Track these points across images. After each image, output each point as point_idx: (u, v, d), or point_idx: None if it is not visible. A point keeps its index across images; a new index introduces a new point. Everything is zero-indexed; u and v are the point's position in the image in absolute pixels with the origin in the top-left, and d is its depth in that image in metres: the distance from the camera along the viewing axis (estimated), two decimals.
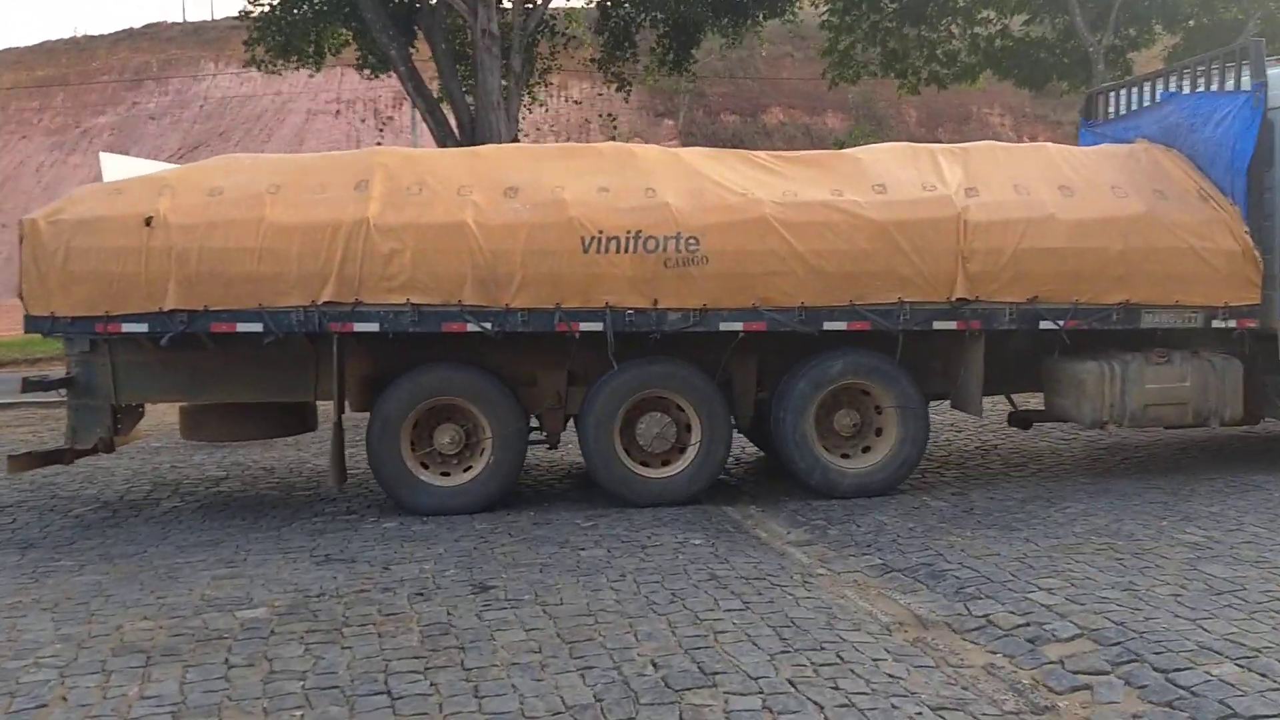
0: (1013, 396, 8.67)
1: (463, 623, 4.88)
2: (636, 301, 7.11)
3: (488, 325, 7.03)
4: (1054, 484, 7.76)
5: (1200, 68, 8.34)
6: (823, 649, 4.49)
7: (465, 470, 7.37)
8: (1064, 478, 8.01)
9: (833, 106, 55.86)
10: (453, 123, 15.44)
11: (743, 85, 57.55)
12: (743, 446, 9.30)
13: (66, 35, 68.37)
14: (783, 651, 4.45)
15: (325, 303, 6.91)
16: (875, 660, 4.38)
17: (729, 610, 5.00)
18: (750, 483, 8.30)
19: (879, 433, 7.62)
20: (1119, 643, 4.47)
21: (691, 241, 7.08)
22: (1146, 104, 8.76)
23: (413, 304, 6.96)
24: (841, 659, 4.38)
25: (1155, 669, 4.20)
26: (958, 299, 7.29)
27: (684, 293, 7.13)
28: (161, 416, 10.40)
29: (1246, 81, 7.70)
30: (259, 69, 18.88)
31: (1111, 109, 9.32)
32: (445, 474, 7.37)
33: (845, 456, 7.60)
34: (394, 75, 16.13)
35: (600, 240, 7.05)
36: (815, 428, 7.49)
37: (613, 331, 7.10)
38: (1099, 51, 14.90)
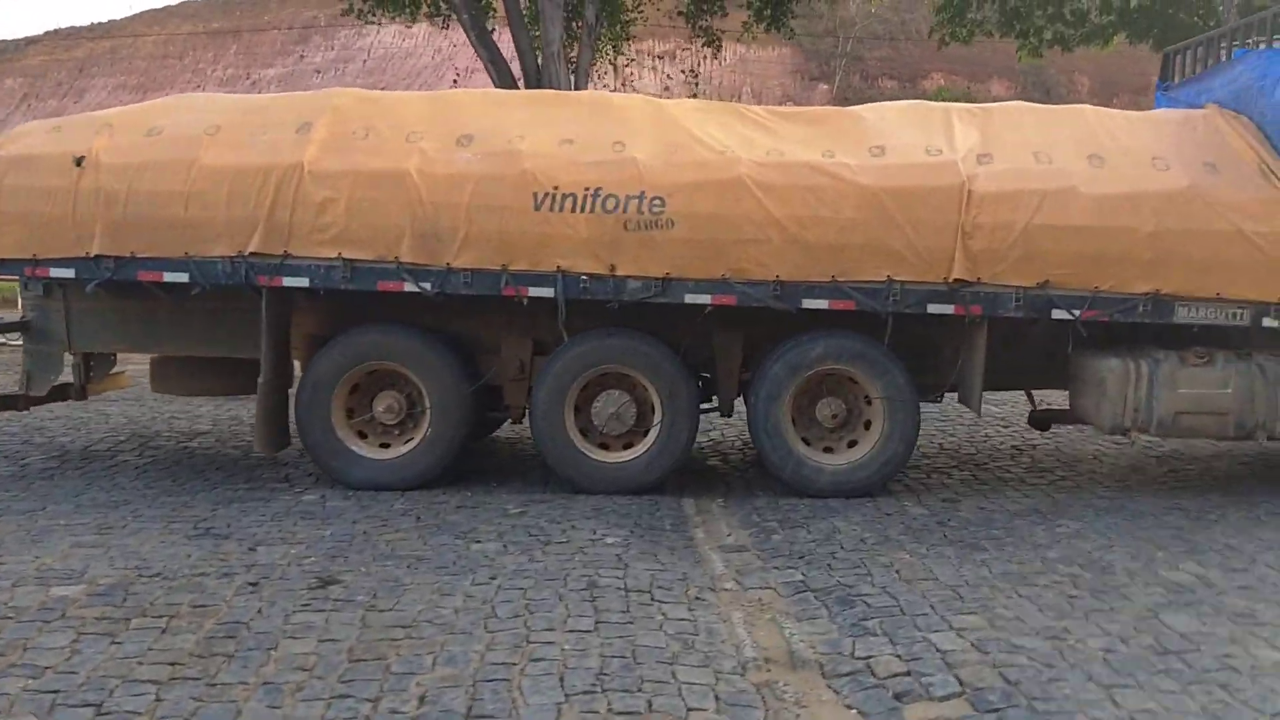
0: (1038, 394, 7.66)
1: (262, 625, 4.31)
2: (592, 266, 6.41)
3: (427, 286, 6.45)
4: (1066, 496, 6.73)
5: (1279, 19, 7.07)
6: (639, 691, 3.76)
7: (407, 443, 6.84)
8: (1083, 489, 6.93)
9: (999, 73, 53.05)
10: (519, 76, 14.90)
11: (903, 49, 55.34)
12: None
13: None
14: (586, 692, 3.73)
15: (252, 253, 6.44)
16: (691, 710, 3.63)
17: (572, 631, 4.30)
18: (741, 472, 7.49)
19: (868, 426, 6.75)
20: (998, 710, 3.61)
21: (656, 202, 6.34)
22: (1221, 63, 7.51)
23: (345, 258, 6.42)
24: (650, 707, 3.64)
25: None
26: (956, 280, 6.33)
27: (646, 259, 6.39)
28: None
29: None
30: (358, 18, 18.81)
31: (1187, 70, 8.07)
32: (385, 445, 6.86)
33: (829, 450, 6.77)
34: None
35: (554, 197, 6.37)
36: (793, 417, 6.69)
37: (564, 299, 6.44)
38: (1230, 7, 13.26)
